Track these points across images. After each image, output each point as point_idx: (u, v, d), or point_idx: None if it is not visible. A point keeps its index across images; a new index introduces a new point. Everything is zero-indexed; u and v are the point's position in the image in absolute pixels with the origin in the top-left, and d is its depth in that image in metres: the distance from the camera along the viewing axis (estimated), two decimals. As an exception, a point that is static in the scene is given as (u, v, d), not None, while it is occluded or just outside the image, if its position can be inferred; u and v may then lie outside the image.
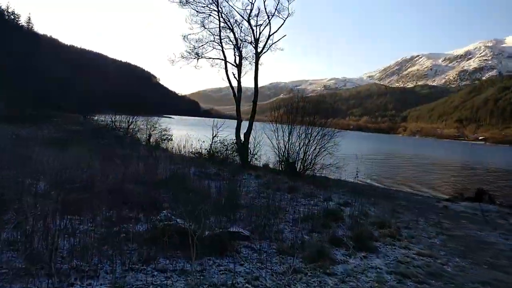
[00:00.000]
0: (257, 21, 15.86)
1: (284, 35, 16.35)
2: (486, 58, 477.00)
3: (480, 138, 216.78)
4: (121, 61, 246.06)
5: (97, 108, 33.18)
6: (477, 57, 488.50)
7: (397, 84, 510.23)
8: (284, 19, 15.90)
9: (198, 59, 16.80)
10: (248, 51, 17.12)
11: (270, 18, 15.73)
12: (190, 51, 16.61)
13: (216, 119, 17.93)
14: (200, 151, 15.91)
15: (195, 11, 15.92)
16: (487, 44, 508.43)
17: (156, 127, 24.51)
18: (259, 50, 15.93)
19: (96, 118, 28.84)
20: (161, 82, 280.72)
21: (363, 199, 10.28)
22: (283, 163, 15.01)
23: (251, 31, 16.08)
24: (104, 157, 11.00)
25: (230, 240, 5.40)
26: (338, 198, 10.00)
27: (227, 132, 16.88)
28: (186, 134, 17.09)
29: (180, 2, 15.70)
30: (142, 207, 6.99)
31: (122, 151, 12.61)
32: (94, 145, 12.77)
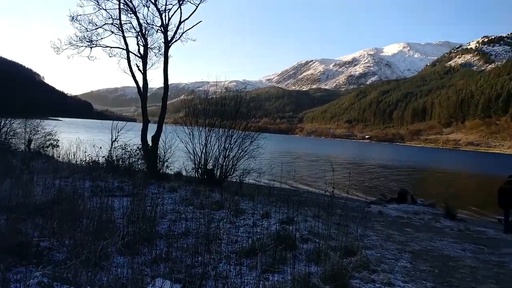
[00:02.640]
0: (166, 4, 13.47)
1: (200, 21, 14.16)
2: (369, 65, 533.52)
3: (367, 136, 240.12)
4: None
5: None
6: (362, 63, 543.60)
7: (293, 87, 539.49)
8: (197, 5, 13.70)
9: (91, 47, 13.72)
10: (154, 40, 14.59)
11: (180, 3, 13.46)
12: (81, 37, 13.47)
13: (115, 121, 14.99)
14: (97, 159, 12.93)
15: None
16: (369, 53, 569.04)
17: (38, 131, 20.37)
18: (168, 38, 13.55)
19: None
20: (46, 80, 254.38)
21: (300, 211, 8.93)
22: (200, 170, 12.97)
23: (158, 16, 13.63)
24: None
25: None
26: (275, 212, 8.35)
27: (129, 136, 14.13)
28: (77, 139, 13.86)
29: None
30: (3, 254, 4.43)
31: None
32: None
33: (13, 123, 20.03)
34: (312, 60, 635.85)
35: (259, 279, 4.42)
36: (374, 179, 28.24)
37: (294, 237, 6.12)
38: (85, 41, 13.44)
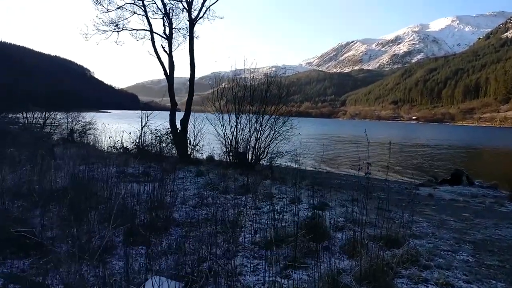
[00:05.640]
0: (189, -19, 12.84)
1: (225, -4, 13.46)
2: (414, 42, 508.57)
3: (413, 117, 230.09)
4: (49, 54, 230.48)
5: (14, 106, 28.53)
6: (406, 41, 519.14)
7: (334, 70, 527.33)
8: (222, -22, 12.98)
9: (118, 31, 13.46)
10: (179, 20, 14.09)
11: (204, -23, 12.76)
12: (107, 21, 13.22)
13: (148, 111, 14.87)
14: (126, 145, 12.76)
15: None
16: (414, 29, 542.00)
17: (79, 121, 21.07)
18: (193, 16, 12.95)
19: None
20: (96, 76, 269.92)
21: (337, 195, 8.04)
22: (231, 153, 12.36)
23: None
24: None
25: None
26: (308, 197, 7.50)
27: (160, 121, 13.88)
28: (103, 123, 13.82)
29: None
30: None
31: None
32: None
33: (56, 114, 20.92)
34: (353, 41, 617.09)
35: (277, 276, 3.67)
36: (422, 159, 26.32)
37: (326, 225, 5.27)
38: (111, 26, 13.23)
